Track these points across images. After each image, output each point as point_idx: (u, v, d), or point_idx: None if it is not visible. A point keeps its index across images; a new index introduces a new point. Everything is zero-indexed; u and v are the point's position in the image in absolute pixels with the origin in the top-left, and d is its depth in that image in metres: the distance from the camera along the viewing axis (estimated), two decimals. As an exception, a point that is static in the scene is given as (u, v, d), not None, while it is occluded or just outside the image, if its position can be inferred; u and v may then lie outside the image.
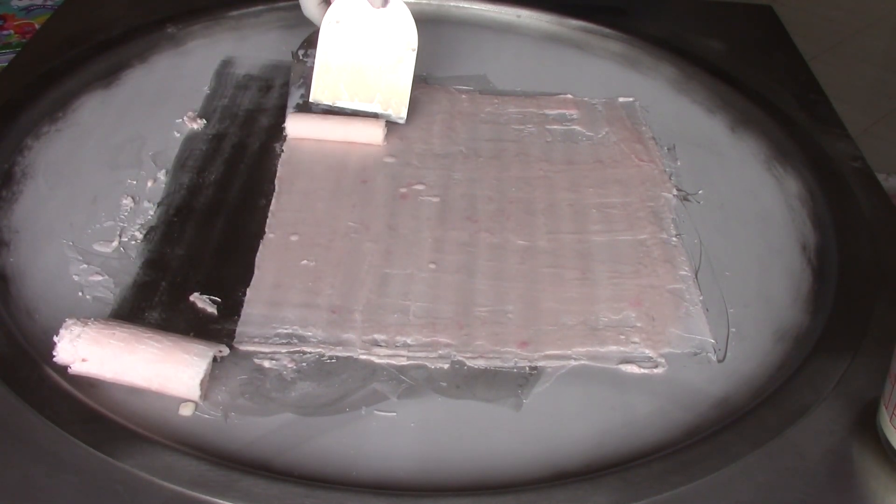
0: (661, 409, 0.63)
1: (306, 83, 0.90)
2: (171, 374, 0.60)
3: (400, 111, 0.87)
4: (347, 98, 0.87)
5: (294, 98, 0.91)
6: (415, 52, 0.86)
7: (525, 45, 1.05)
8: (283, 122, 0.88)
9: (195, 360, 0.60)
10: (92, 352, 0.60)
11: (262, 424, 0.60)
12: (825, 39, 1.68)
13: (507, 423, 0.62)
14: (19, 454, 0.56)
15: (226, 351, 0.63)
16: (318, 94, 0.87)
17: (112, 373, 0.60)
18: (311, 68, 0.88)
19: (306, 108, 0.89)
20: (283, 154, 0.85)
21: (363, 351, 0.66)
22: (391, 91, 0.87)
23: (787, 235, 0.79)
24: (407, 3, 0.87)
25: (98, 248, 0.74)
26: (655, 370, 0.66)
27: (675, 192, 0.84)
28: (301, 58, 0.96)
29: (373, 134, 0.86)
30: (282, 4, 1.06)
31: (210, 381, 0.62)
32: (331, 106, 0.87)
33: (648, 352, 0.67)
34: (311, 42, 0.92)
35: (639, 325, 0.69)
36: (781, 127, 0.89)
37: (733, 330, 0.70)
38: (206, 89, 0.95)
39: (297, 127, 0.86)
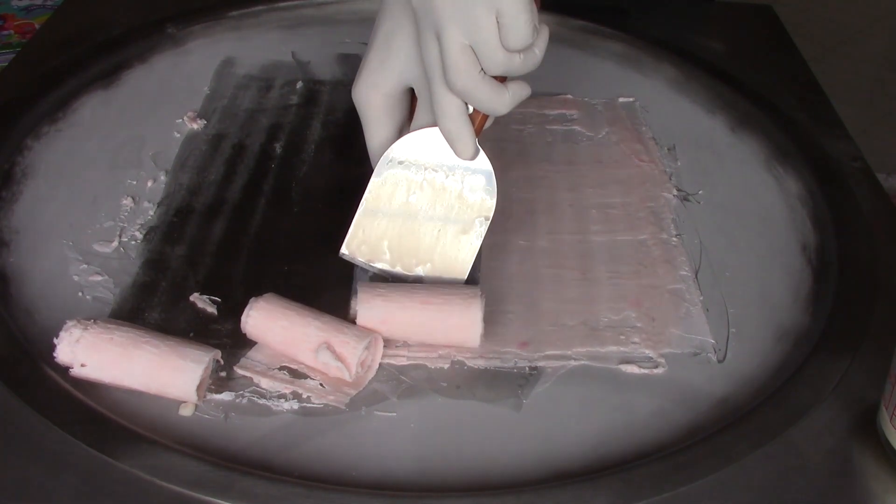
0: (661, 409, 0.63)
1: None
2: (167, 380, 0.60)
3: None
4: (388, 260, 0.69)
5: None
6: (488, 223, 0.68)
7: (525, 45, 1.05)
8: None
9: (191, 366, 0.60)
10: (90, 357, 0.60)
11: (262, 424, 0.60)
12: (825, 39, 1.68)
13: (507, 423, 0.62)
14: (19, 454, 0.56)
15: (219, 356, 0.63)
16: (352, 247, 0.70)
17: (110, 378, 0.60)
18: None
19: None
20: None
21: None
22: (445, 265, 0.69)
23: (787, 235, 0.79)
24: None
25: (98, 248, 0.74)
26: (655, 370, 0.66)
27: (675, 192, 0.84)
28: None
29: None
30: (282, 4, 1.07)
31: (210, 382, 0.62)
32: (365, 264, 0.70)
33: (648, 352, 0.67)
34: None
35: (639, 325, 0.69)
36: (781, 127, 0.89)
37: (733, 330, 0.70)
38: (206, 89, 0.95)
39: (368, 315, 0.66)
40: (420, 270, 0.69)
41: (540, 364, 0.66)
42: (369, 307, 0.65)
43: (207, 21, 1.03)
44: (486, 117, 0.67)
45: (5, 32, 1.59)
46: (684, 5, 1.14)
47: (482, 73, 0.62)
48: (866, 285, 0.71)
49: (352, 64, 1.01)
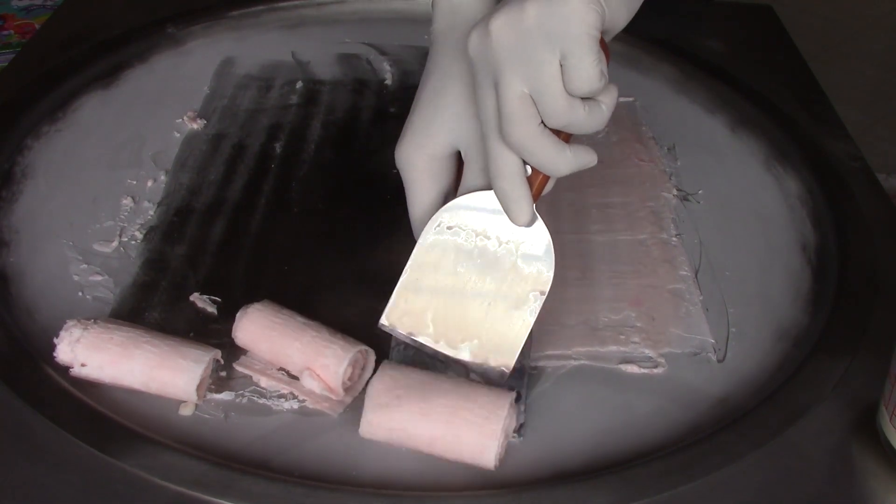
0: (661, 409, 0.63)
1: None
2: (168, 380, 0.60)
3: (501, 365, 0.61)
4: (431, 334, 0.62)
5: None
6: (543, 297, 0.61)
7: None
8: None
9: (191, 366, 0.60)
10: (90, 356, 0.60)
11: (261, 424, 0.60)
12: (825, 39, 1.68)
13: (507, 423, 0.62)
14: (20, 454, 0.56)
15: (219, 356, 0.63)
16: (393, 318, 0.62)
17: (111, 378, 0.61)
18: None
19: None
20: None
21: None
22: (493, 342, 0.61)
23: (787, 235, 0.79)
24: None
25: (98, 248, 0.74)
26: (655, 370, 0.66)
27: (675, 192, 0.84)
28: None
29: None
30: (282, 4, 1.07)
31: (210, 381, 0.62)
32: (405, 337, 0.63)
33: (648, 352, 0.67)
34: None
35: (639, 324, 0.69)
36: (781, 127, 0.89)
37: (733, 330, 0.70)
38: (206, 89, 0.95)
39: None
40: (465, 348, 0.61)
41: (540, 364, 0.66)
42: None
43: (207, 21, 1.03)
44: (545, 180, 0.60)
45: (5, 32, 1.59)
46: (684, 5, 1.14)
47: (542, 126, 0.56)
48: (866, 285, 0.71)
49: (352, 64, 1.01)
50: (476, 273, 0.62)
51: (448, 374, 0.61)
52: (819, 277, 0.74)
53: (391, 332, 0.63)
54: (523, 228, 0.61)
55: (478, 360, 0.61)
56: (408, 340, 0.63)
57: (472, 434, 0.56)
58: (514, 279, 0.62)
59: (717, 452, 0.58)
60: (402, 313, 0.62)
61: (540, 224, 0.61)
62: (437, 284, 0.62)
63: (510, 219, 0.61)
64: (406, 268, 0.63)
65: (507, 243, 0.62)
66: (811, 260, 0.76)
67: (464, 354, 0.61)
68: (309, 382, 0.61)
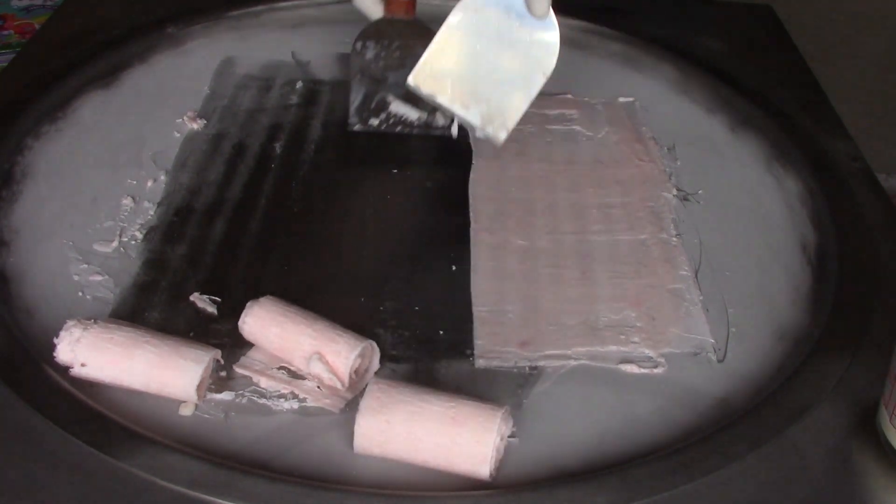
0: (661, 409, 0.63)
1: (365, 79, 0.82)
2: (168, 380, 0.60)
3: (499, 132, 0.72)
4: (449, 96, 0.72)
5: (357, 94, 0.83)
6: (545, 79, 0.72)
7: (525, 45, 1.05)
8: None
9: (191, 366, 0.60)
10: (90, 356, 0.60)
11: (262, 424, 0.60)
12: (825, 39, 1.68)
13: (507, 423, 0.62)
14: (19, 454, 0.56)
15: (219, 356, 0.63)
16: (419, 79, 0.71)
17: (111, 378, 0.61)
18: (370, 61, 0.82)
19: (367, 107, 0.82)
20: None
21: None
22: (499, 108, 0.72)
23: (787, 235, 0.79)
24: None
25: (98, 248, 0.74)
26: (655, 370, 0.66)
27: (675, 192, 0.84)
28: (359, 49, 0.82)
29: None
30: (282, 4, 1.07)
31: (210, 381, 0.62)
32: (427, 97, 0.72)
33: (648, 352, 0.67)
34: (368, 34, 0.82)
35: (639, 324, 0.69)
36: (781, 127, 0.89)
37: (733, 330, 0.70)
38: (206, 89, 0.95)
39: None
40: (475, 111, 0.71)
41: (540, 364, 0.66)
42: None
43: (207, 21, 1.03)
44: None
45: (5, 32, 1.59)
46: (684, 5, 1.14)
47: None
48: (866, 285, 0.71)
49: (352, 64, 1.01)
50: (493, 51, 0.71)
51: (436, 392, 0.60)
52: (819, 277, 0.74)
53: (416, 92, 0.72)
54: (537, 20, 0.71)
55: (483, 122, 0.71)
56: (429, 101, 0.72)
57: (465, 464, 0.57)
58: (525, 60, 0.71)
59: (717, 452, 0.58)
60: (426, 76, 0.72)
61: (552, 17, 0.71)
62: (459, 56, 0.72)
63: (530, 10, 0.70)
64: (433, 40, 0.72)
65: (521, 30, 0.71)
66: (811, 260, 0.76)
67: (473, 115, 0.71)
68: (317, 367, 0.61)
